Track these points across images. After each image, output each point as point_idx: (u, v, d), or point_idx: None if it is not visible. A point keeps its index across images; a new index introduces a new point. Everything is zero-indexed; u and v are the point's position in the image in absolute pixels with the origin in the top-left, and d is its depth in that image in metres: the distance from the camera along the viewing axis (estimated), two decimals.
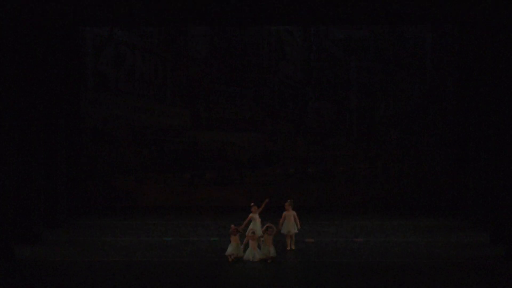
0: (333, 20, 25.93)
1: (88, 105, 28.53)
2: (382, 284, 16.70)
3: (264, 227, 19.22)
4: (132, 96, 28.89)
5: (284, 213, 20.27)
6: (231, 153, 28.99)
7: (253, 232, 19.31)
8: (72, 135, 26.18)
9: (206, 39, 28.76)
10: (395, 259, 19.23)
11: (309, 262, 19.02)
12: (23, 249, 19.97)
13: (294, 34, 28.74)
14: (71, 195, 25.52)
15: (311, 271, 17.97)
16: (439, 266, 18.32)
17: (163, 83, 28.94)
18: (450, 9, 22.47)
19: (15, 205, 20.15)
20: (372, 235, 22.74)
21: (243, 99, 28.93)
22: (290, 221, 20.21)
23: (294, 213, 20.31)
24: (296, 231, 20.33)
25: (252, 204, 20.43)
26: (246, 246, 19.26)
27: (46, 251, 20.14)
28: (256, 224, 20.04)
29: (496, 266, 18.42)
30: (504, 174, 20.34)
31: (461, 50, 26.11)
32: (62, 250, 20.29)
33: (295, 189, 28.35)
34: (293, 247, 20.30)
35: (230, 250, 19.00)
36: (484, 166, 23.21)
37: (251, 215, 20.20)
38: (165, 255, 19.82)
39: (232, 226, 19.25)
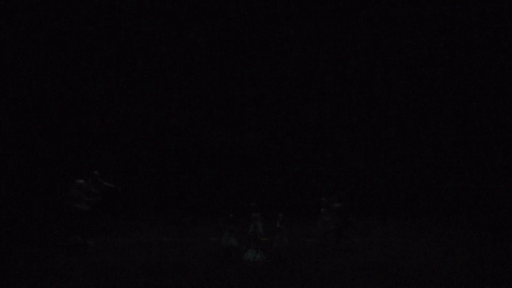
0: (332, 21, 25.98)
1: (88, 104, 28.57)
2: (381, 284, 16.71)
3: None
4: (132, 96, 28.92)
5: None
6: (231, 153, 29.00)
7: (254, 232, 19.32)
8: (74, 135, 26.19)
9: (206, 39, 28.77)
10: (395, 259, 19.23)
11: (310, 262, 19.02)
12: (23, 249, 20.00)
13: (294, 34, 28.77)
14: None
15: (311, 271, 17.97)
16: (438, 266, 18.32)
17: (163, 83, 28.96)
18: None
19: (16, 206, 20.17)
20: (372, 235, 22.74)
21: (243, 99, 28.93)
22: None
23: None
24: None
25: (252, 204, 20.45)
26: (247, 246, 19.26)
27: (46, 251, 20.13)
28: (257, 224, 20.05)
29: (496, 266, 18.43)
30: (503, 174, 20.36)
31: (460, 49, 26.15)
32: (62, 250, 20.28)
33: (295, 189, 28.34)
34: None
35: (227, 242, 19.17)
36: (484, 166, 23.22)
37: (253, 215, 20.23)
38: (165, 255, 19.80)
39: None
